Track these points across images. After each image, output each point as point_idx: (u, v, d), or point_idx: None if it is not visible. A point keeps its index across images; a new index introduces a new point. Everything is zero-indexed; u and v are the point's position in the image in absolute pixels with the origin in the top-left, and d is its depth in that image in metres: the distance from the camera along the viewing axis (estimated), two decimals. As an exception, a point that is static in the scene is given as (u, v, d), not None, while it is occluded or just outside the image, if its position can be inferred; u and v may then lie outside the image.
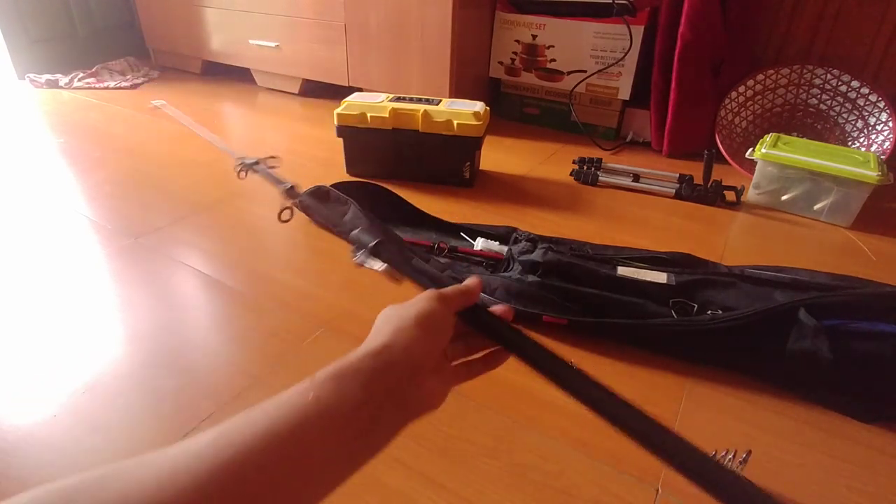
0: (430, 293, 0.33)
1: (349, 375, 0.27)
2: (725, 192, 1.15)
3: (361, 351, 0.29)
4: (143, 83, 1.99)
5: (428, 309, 0.32)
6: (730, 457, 0.53)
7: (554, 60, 1.51)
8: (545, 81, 1.55)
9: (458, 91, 1.52)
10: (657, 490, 0.53)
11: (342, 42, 1.64)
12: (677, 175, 1.21)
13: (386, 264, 0.47)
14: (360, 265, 0.47)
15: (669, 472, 0.55)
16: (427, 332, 0.31)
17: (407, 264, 0.44)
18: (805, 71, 1.31)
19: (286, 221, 0.57)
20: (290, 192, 0.62)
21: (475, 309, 0.36)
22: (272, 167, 0.65)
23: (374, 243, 0.46)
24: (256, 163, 0.66)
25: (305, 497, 0.24)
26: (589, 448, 0.57)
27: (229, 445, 0.22)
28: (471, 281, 0.36)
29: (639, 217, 1.10)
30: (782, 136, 1.17)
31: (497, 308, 0.37)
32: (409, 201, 1.06)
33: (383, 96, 1.20)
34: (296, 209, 0.59)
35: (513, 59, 1.57)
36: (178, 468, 0.21)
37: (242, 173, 0.66)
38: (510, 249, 0.89)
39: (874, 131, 1.24)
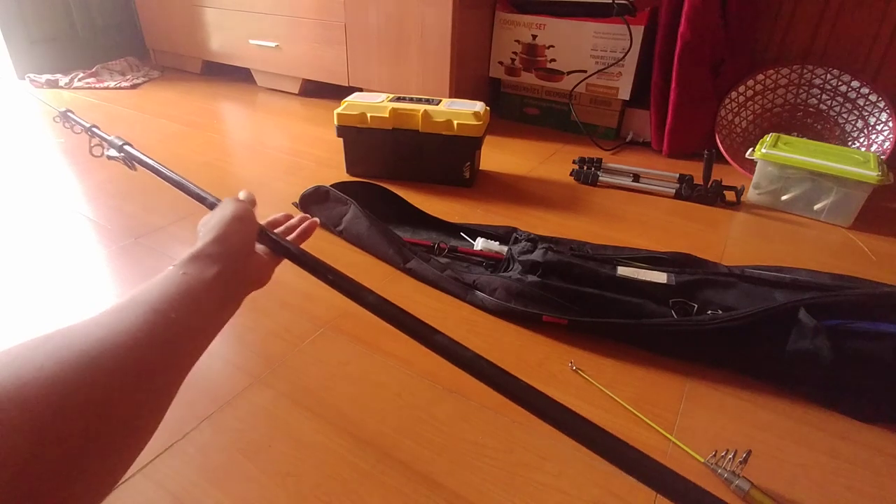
0: (231, 199, 0.46)
1: (203, 258, 0.37)
2: (725, 192, 1.15)
3: (205, 240, 0.39)
4: (143, 83, 1.99)
5: (239, 207, 0.44)
6: (730, 457, 0.53)
7: (554, 60, 1.51)
8: (545, 81, 1.55)
9: (458, 91, 1.52)
10: (657, 490, 0.53)
11: (342, 42, 1.64)
12: (677, 175, 1.21)
13: (122, 154, 0.66)
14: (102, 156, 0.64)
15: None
16: (243, 223, 0.43)
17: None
18: (805, 71, 1.31)
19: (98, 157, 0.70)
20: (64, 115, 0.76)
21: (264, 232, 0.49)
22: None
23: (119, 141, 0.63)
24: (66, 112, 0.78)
25: (200, 344, 0.35)
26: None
27: (145, 303, 0.31)
28: (246, 192, 0.51)
29: (639, 217, 1.10)
30: (782, 136, 1.17)
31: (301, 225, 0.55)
32: (409, 201, 1.06)
33: (383, 96, 1.20)
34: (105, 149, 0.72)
35: (513, 59, 1.57)
36: (118, 321, 0.29)
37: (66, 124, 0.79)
38: (510, 249, 0.89)
39: (874, 131, 1.24)
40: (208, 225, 0.42)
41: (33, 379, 0.23)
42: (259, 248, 0.48)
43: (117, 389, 0.26)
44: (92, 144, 0.71)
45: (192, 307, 0.33)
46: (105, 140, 0.68)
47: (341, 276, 0.45)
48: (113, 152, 0.68)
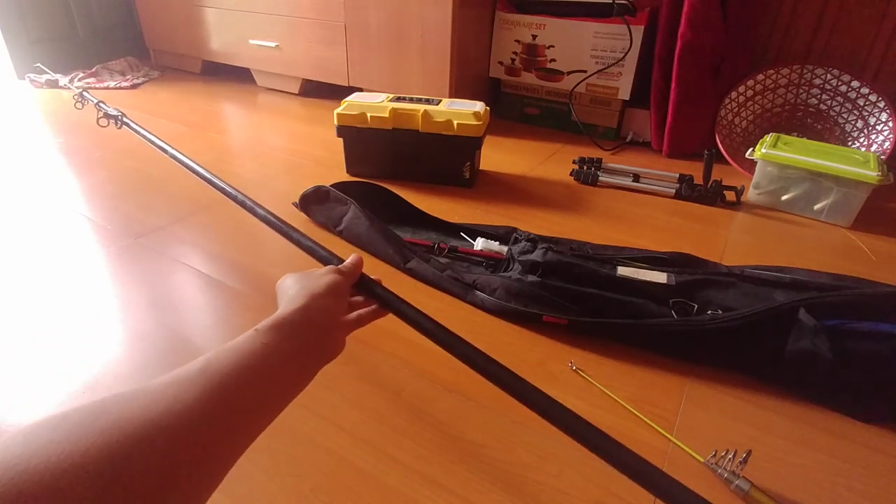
0: (332, 268, 0.47)
1: (285, 328, 0.36)
2: (725, 192, 1.15)
3: (289, 309, 0.38)
4: (143, 83, 1.99)
5: (334, 281, 0.44)
6: (730, 457, 0.53)
7: (554, 60, 1.51)
8: (545, 81, 1.55)
9: (458, 91, 1.52)
10: (657, 490, 0.53)
11: (342, 42, 1.64)
12: (677, 175, 1.21)
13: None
14: None
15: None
16: (335, 298, 0.43)
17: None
18: (805, 71, 1.31)
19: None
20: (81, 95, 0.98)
21: (362, 279, 0.50)
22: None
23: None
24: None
25: (267, 413, 0.33)
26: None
27: (215, 374, 0.30)
28: (355, 258, 0.51)
29: (639, 217, 1.09)
30: (782, 136, 1.17)
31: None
32: (409, 201, 1.06)
33: (383, 96, 1.20)
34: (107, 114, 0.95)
35: (513, 59, 1.57)
36: (181, 393, 0.28)
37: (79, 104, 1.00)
38: (510, 249, 0.89)
39: (874, 131, 1.24)
40: (297, 288, 0.41)
41: (79, 466, 0.22)
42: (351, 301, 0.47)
43: (169, 474, 0.25)
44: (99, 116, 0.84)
45: (265, 386, 0.32)
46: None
47: (441, 329, 0.45)
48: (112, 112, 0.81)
